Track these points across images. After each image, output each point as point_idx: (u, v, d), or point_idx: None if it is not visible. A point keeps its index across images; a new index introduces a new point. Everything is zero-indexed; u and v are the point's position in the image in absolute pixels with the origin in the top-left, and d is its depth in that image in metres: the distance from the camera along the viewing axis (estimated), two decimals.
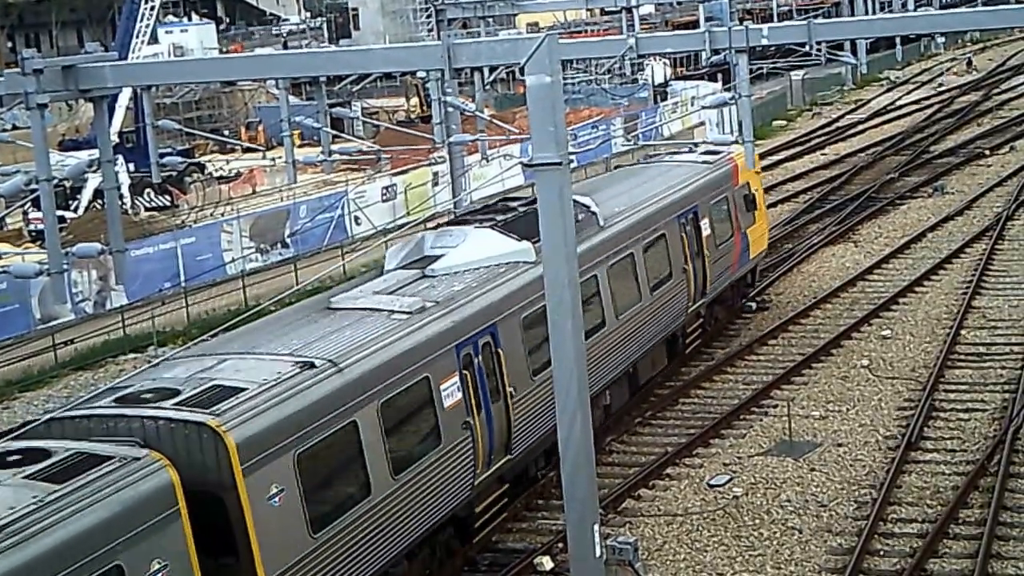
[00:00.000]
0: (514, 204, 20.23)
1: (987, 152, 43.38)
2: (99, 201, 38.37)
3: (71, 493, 10.80)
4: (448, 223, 19.85)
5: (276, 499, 12.49)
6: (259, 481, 12.28)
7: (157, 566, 11.10)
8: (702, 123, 51.20)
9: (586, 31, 63.71)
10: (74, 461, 11.33)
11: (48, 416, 13.07)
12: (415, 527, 14.60)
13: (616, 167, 28.46)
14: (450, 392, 15.30)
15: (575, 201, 18.19)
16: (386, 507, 13.98)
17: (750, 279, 26.79)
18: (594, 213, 20.16)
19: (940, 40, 56.74)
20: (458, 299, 15.97)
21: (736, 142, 22.97)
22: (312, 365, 13.65)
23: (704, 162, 24.96)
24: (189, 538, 11.44)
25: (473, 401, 15.74)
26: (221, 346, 14.81)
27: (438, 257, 17.57)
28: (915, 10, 44.54)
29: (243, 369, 13.55)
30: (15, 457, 11.54)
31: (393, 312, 15.43)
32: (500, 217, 19.04)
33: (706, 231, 23.38)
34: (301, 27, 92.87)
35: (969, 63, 67.97)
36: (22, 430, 12.90)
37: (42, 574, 10.08)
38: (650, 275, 21.07)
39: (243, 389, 12.89)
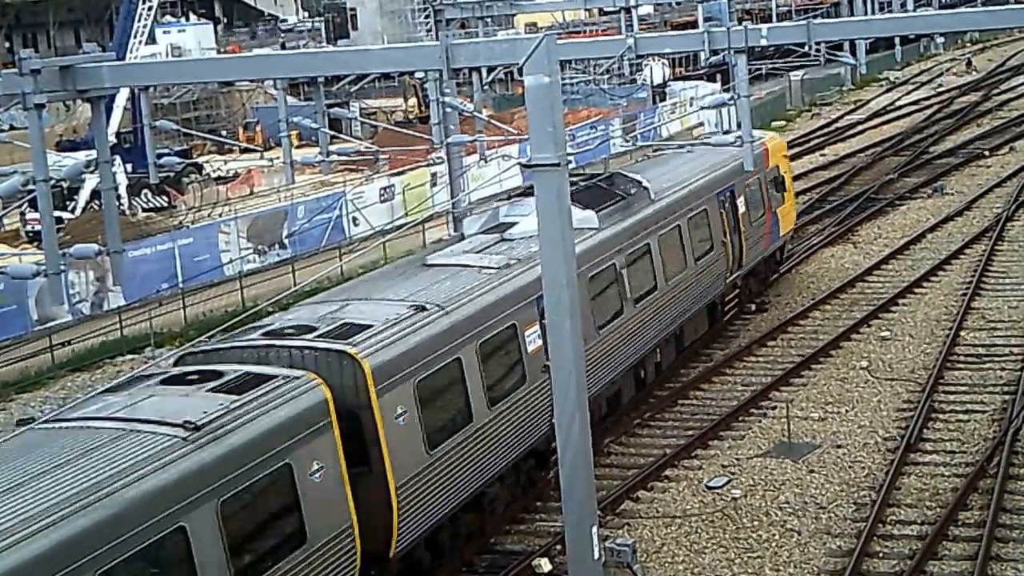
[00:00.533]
0: (575, 179, 21.85)
1: (987, 153, 43.44)
2: (96, 202, 38.39)
3: (249, 403, 12.86)
4: (518, 195, 21.70)
5: (401, 419, 14.64)
6: (389, 402, 14.42)
7: (316, 466, 13.14)
8: (701, 124, 51.20)
9: (585, 31, 63.70)
10: (246, 379, 13.45)
11: (205, 348, 15.02)
12: (506, 453, 16.80)
13: (657, 151, 30.29)
14: (532, 339, 17.37)
15: (630, 177, 22.79)
16: (484, 433, 16.24)
17: (779, 256, 28.91)
18: (646, 188, 22.23)
19: (939, 40, 56.69)
20: (535, 258, 16.88)
21: (735, 142, 23.02)
22: (424, 308, 15.93)
23: (736, 146, 25.87)
24: (339, 446, 13.47)
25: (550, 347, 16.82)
26: (340, 294, 17.32)
27: (513, 224, 19.75)
28: (914, 10, 44.57)
29: (366, 310, 15.82)
30: (194, 376, 13.66)
31: (483, 268, 17.71)
32: (583, 182, 22.03)
33: (742, 209, 25.20)
34: (299, 28, 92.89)
35: (969, 63, 68.07)
36: (178, 357, 15.01)
37: (236, 464, 12.19)
38: (694, 246, 23.09)
39: (370, 326, 15.12)
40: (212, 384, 13.23)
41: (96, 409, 12.82)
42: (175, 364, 14.69)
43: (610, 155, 46.38)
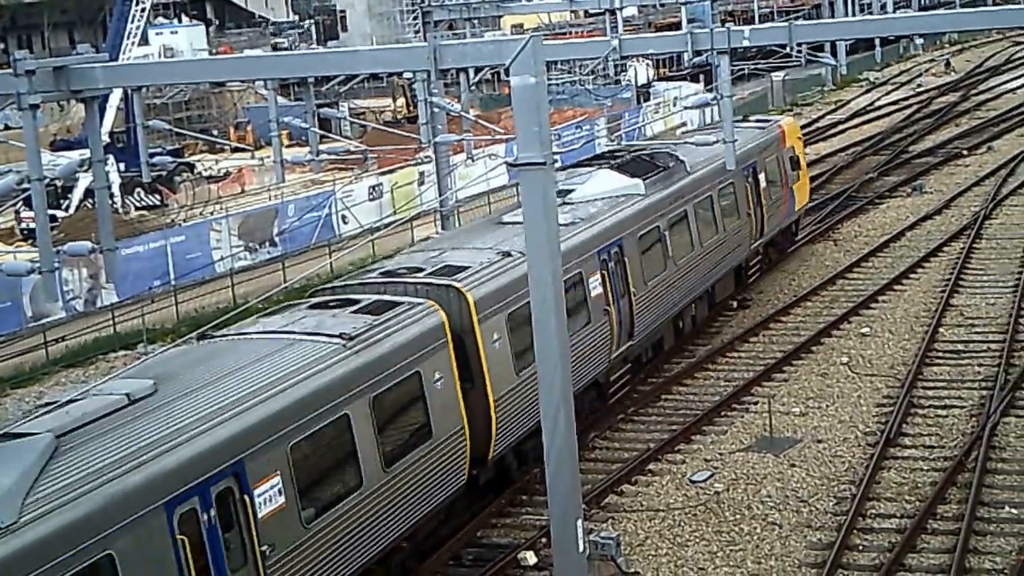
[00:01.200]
0: (621, 153, 25.79)
1: (965, 152, 43.76)
2: (90, 200, 38.46)
3: (386, 322, 15.55)
4: (573, 166, 25.20)
5: (496, 344, 17.26)
6: (487, 329, 17.08)
7: (437, 376, 15.90)
8: (684, 123, 51.46)
9: (570, 32, 63.97)
10: (380, 304, 16.13)
11: (334, 285, 18.23)
12: (576, 379, 17.82)
13: (690, 132, 34.04)
14: (595, 285, 20.24)
15: (668, 152, 25.48)
16: (588, 337, 19.61)
17: (795, 228, 31.62)
18: (682, 161, 25.08)
19: (919, 41, 57.18)
20: (595, 218, 20.84)
21: (718, 141, 23.45)
22: (509, 254, 18.53)
23: (759, 128, 30.03)
24: (453, 362, 16.20)
25: (609, 295, 20.46)
26: (436, 244, 20.43)
27: (571, 191, 22.52)
28: (894, 12, 44.95)
29: (462, 256, 18.63)
30: (337, 302, 16.35)
31: None
32: (614, 161, 24.53)
33: (763, 184, 28.02)
34: (290, 30, 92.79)
35: (947, 64, 68.38)
36: (311, 292, 17.96)
37: (382, 368, 15.03)
38: (723, 214, 25.89)
39: (469, 267, 17.86)
40: (353, 308, 16.03)
41: (262, 326, 15.79)
42: (310, 297, 17.50)
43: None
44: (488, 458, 17.06)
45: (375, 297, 16.58)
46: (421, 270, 17.90)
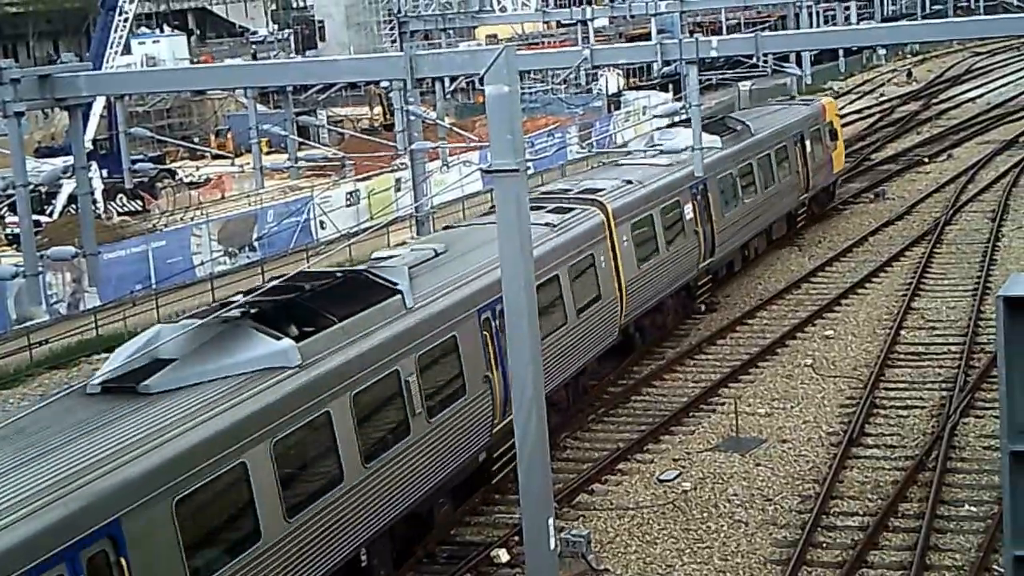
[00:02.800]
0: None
1: (926, 160, 44.30)
2: (73, 206, 38.48)
3: (572, 217, 21.60)
4: (668, 126, 31.27)
5: (625, 242, 23.08)
6: (620, 231, 22.88)
7: (602, 257, 21.91)
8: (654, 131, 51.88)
9: (543, 43, 64.29)
10: (564, 208, 22.15)
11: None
12: (674, 278, 25.55)
13: (743, 108, 40.58)
14: (688, 211, 26.19)
15: (738, 119, 32.38)
16: (665, 261, 25.07)
17: (832, 189, 37.29)
18: (748, 126, 31.12)
19: (881, 52, 57.95)
20: (687, 163, 25.19)
21: (609, 189, 24.28)
22: (629, 182, 24.55)
23: (805, 104, 36.75)
24: (609, 251, 22.33)
25: (698, 219, 26.49)
26: (571, 179, 27.23)
27: (663, 144, 28.21)
28: (858, 24, 45.61)
29: (597, 183, 24.54)
30: (532, 207, 19.27)
31: (655, 164, 26.45)
32: (708, 120, 30.16)
33: (808, 148, 33.75)
34: (270, 40, 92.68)
35: (909, 74, 69.04)
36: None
37: (575, 246, 21.04)
38: (779, 171, 31.54)
39: (603, 189, 23.77)
40: (548, 208, 21.96)
41: (480, 221, 21.51)
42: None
43: (566, 162, 46.91)
44: (621, 326, 22.83)
45: (556, 204, 22.41)
46: (569, 191, 24.05)
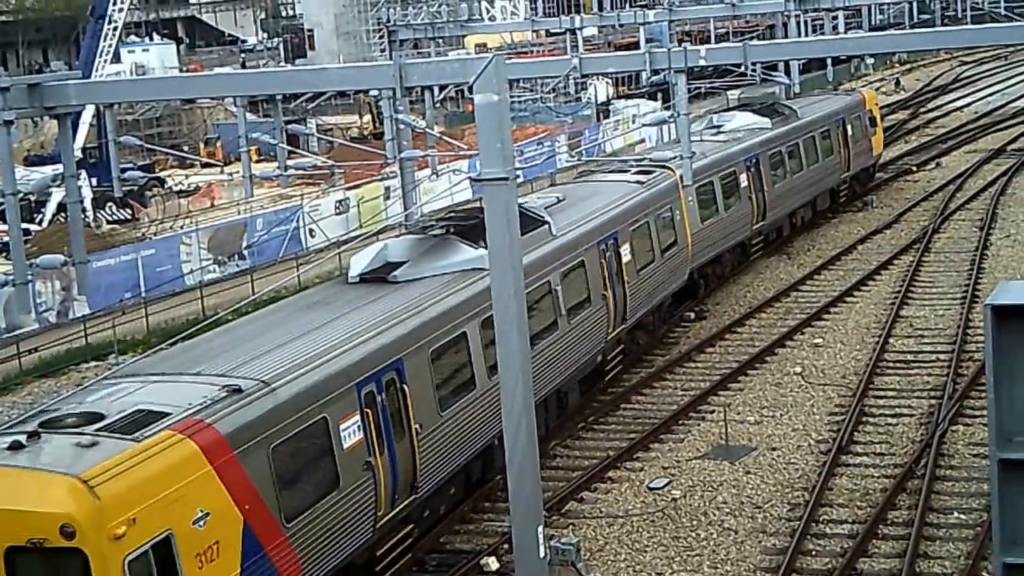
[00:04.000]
0: (752, 102, 38.63)
1: (914, 168, 44.44)
2: (63, 214, 38.55)
3: (653, 179, 25.91)
4: (724, 110, 37.58)
5: (691, 202, 27.09)
6: (686, 193, 26.72)
7: (675, 210, 26.17)
8: (643, 140, 52.04)
9: (532, 52, 64.35)
10: (644, 171, 26.42)
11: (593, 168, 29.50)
12: (733, 236, 30.08)
13: (798, 95, 44.47)
14: (743, 180, 30.43)
15: (786, 105, 37.12)
16: (724, 220, 29.19)
17: (872, 170, 41.21)
18: (795, 110, 35.67)
19: (869, 61, 58.20)
20: (741, 140, 31.27)
21: (675, 158, 24.49)
22: (693, 154, 27.04)
23: (846, 94, 42.36)
24: (682, 204, 26.42)
25: (751, 187, 30.71)
26: (641, 153, 32.67)
27: (723, 124, 33.11)
28: (846, 33, 45.86)
29: (664, 153, 28.23)
30: (617, 171, 27.16)
31: (714, 140, 31.41)
32: (750, 106, 37.17)
33: (850, 132, 37.60)
34: (259, 48, 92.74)
35: (897, 83, 69.24)
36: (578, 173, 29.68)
37: (657, 200, 25.39)
38: (822, 151, 35.43)
39: (674, 158, 26.87)
40: (632, 171, 26.76)
41: (578, 181, 27.21)
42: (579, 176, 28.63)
43: (555, 170, 47.00)
44: (688, 270, 27.04)
45: (635, 168, 26.95)
46: (643, 160, 28.51)
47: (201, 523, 11.93)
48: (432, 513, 16.96)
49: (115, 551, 11.16)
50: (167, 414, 12.47)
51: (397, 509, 15.45)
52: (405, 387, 15.74)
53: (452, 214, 21.56)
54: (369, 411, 14.94)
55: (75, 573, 11.04)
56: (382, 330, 15.86)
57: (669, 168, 26.75)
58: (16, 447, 11.81)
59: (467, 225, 19.42)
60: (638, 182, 25.56)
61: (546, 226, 20.73)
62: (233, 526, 12.43)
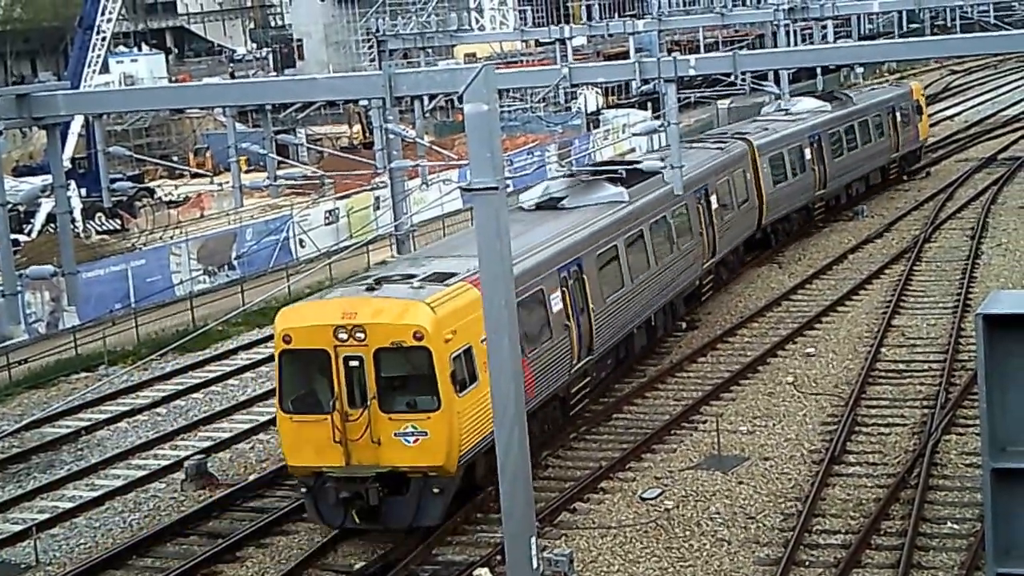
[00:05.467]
0: (819, 94, 43.69)
1: (905, 177, 44.65)
2: (52, 225, 38.48)
3: (728, 147, 31.84)
4: (796, 95, 42.10)
5: (767, 167, 32.92)
6: (761, 161, 32.71)
7: (747, 174, 31.88)
8: (633, 150, 52.08)
9: (522, 61, 64.53)
10: (723, 142, 32.73)
11: (691, 139, 35.09)
12: (796, 201, 35.64)
13: (855, 85, 52.15)
14: (808, 153, 35.98)
15: (843, 92, 44.52)
16: (792, 184, 34.89)
17: (919, 153, 46.00)
18: (851, 98, 41.41)
19: (859, 70, 58.40)
20: (805, 120, 37.19)
21: (665, 167, 24.49)
22: (766, 128, 35.37)
23: (896, 86, 47.58)
24: (752, 171, 31.99)
25: (814, 160, 36.30)
26: (723, 129, 40.05)
27: (790, 107, 38.51)
28: (835, 42, 46.08)
29: (744, 127, 36.25)
30: (693, 140, 34.18)
31: (784, 120, 36.95)
32: (813, 94, 43.12)
33: (898, 118, 42.79)
34: (248, 58, 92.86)
35: None
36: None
37: (730, 163, 31.06)
38: (874, 134, 40.83)
39: (751, 132, 34.08)
40: (712, 142, 32.16)
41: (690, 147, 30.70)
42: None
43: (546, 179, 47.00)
44: (760, 225, 33.02)
45: (720, 140, 32.84)
46: (725, 134, 34.87)
47: (484, 342, 15.86)
48: (599, 373, 22.92)
49: (445, 350, 17.20)
50: (455, 274, 18.62)
51: (582, 362, 21.48)
52: (584, 277, 21.90)
53: (593, 167, 29.07)
54: (564, 290, 21.02)
55: (422, 362, 17.13)
56: (566, 237, 22.03)
57: (747, 140, 33.02)
58: (372, 288, 17.92)
59: (608, 171, 26.13)
60: (719, 149, 31.49)
61: (660, 176, 25.79)
62: None
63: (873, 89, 46.32)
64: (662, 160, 26.78)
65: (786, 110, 38.06)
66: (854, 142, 39.23)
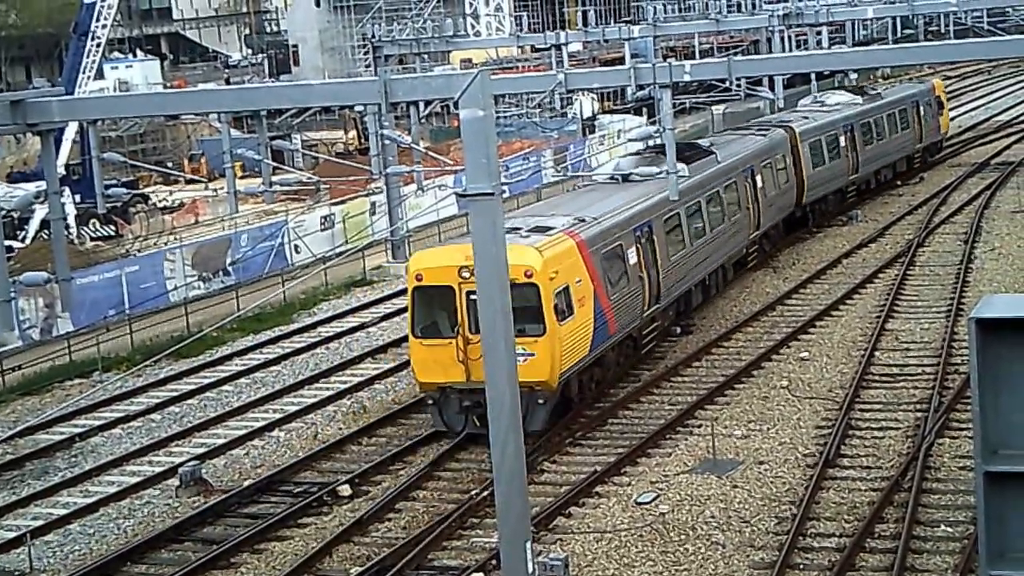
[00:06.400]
0: (849, 88, 46.06)
1: (898, 182, 44.76)
2: (46, 231, 38.44)
3: (771, 134, 35.22)
4: (826, 90, 46.39)
5: (808, 151, 36.37)
6: (802, 146, 36.07)
7: (789, 158, 35.27)
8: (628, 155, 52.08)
9: (517, 67, 64.52)
10: (766, 129, 36.14)
11: (738, 126, 41.49)
12: (827, 187, 38.22)
13: (885, 86, 53.65)
14: (843, 141, 39.11)
15: (873, 88, 48.82)
16: (828, 168, 37.65)
17: (940, 144, 49.49)
18: (880, 93, 44.99)
19: (853, 76, 58.40)
20: (841, 111, 40.49)
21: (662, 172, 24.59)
22: (807, 117, 38.40)
23: (920, 83, 52.20)
24: (797, 153, 35.93)
25: (849, 147, 39.34)
26: (765, 119, 41.09)
27: (826, 99, 42.71)
28: (829, 48, 46.33)
29: (786, 116, 39.37)
30: (738, 127, 40.06)
31: (822, 111, 40.46)
32: (845, 88, 46.11)
33: (921, 112, 46.17)
34: (244, 64, 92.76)
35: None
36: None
37: (773, 148, 34.49)
38: (900, 124, 44.02)
39: (793, 120, 37.68)
40: (757, 129, 35.70)
41: (734, 136, 35.16)
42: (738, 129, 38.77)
43: (542, 185, 47.05)
44: (800, 204, 36.09)
45: (769, 126, 36.07)
46: (770, 121, 37.92)
47: (579, 282, 21.49)
48: (663, 321, 26.53)
49: (550, 287, 20.81)
50: (554, 227, 22.39)
51: (651, 309, 24.97)
52: (654, 237, 25.32)
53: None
54: (639, 247, 24.55)
55: (532, 295, 20.58)
56: (639, 202, 25.48)
57: (789, 127, 36.03)
58: None
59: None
60: (762, 135, 34.83)
61: (713, 155, 29.63)
62: (590, 289, 22.29)
63: (900, 85, 51.22)
64: (712, 142, 31.63)
65: (822, 102, 41.87)
66: (883, 132, 42.51)
